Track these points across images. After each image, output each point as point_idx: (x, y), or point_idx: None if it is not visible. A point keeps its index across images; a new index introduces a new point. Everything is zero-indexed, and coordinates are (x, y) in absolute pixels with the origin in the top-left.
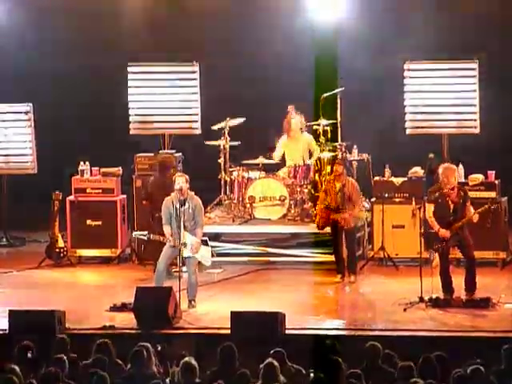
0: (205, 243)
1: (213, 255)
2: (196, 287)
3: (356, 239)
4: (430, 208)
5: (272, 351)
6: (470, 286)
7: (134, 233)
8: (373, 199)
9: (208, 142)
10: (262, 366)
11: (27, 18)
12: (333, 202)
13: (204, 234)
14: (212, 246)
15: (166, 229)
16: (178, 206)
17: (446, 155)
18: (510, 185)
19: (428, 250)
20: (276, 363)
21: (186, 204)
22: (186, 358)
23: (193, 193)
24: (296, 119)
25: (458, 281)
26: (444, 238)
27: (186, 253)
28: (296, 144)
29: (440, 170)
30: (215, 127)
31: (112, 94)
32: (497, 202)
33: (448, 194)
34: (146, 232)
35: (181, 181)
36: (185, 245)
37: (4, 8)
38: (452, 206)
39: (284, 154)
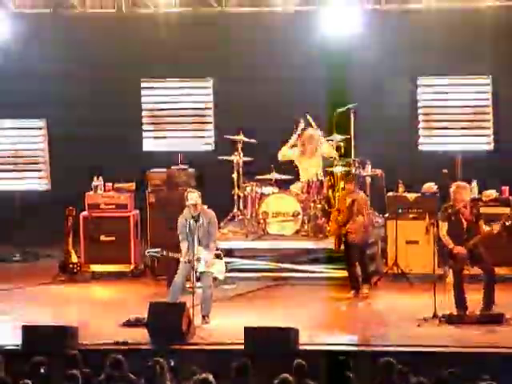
0: (218, 257)
1: (226, 269)
2: (210, 302)
3: (368, 251)
4: (443, 226)
5: (296, 362)
6: (489, 303)
7: (147, 251)
8: (386, 215)
9: (221, 157)
10: (276, 381)
11: (42, 35)
12: (344, 218)
13: (217, 249)
14: (226, 262)
15: (183, 245)
16: (191, 222)
17: (458, 171)
18: None
19: (443, 266)
20: (291, 378)
21: (200, 219)
22: (204, 375)
23: (205, 206)
24: (316, 134)
25: (472, 297)
26: (459, 254)
27: (200, 268)
28: (311, 159)
29: (452, 188)
30: (228, 136)
31: (126, 110)
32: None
33: (461, 212)
34: (159, 249)
35: (194, 196)
36: (198, 260)
37: (18, 23)
38: (465, 224)
39: (296, 166)
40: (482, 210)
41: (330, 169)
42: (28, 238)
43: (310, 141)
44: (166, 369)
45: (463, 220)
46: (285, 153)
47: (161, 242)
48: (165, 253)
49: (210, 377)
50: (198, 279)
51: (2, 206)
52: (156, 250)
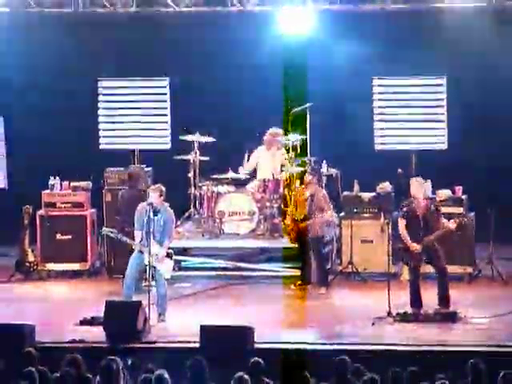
0: (169, 256)
1: (174, 269)
2: (165, 300)
3: (324, 249)
4: (401, 222)
5: (252, 360)
6: (444, 300)
7: (103, 229)
8: (342, 214)
9: (177, 157)
10: (232, 379)
11: (1, 34)
12: (301, 212)
13: (172, 248)
14: (181, 260)
15: (137, 234)
16: (150, 215)
17: (413, 171)
18: (476, 200)
19: (397, 264)
20: (247, 377)
21: (159, 214)
22: (159, 371)
23: (167, 205)
24: (280, 131)
25: (426, 295)
26: (415, 251)
27: (147, 260)
28: (272, 158)
29: (410, 184)
30: (182, 137)
31: (83, 109)
32: (467, 216)
33: (417, 208)
34: (115, 230)
35: (153, 196)
36: (150, 253)
37: None
38: (422, 220)
39: (256, 167)
40: None
41: (286, 168)
42: None
43: (274, 137)
44: (121, 367)
45: (420, 217)
46: (251, 161)
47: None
48: (119, 235)
49: (165, 374)
50: (153, 277)
51: None
52: (112, 229)
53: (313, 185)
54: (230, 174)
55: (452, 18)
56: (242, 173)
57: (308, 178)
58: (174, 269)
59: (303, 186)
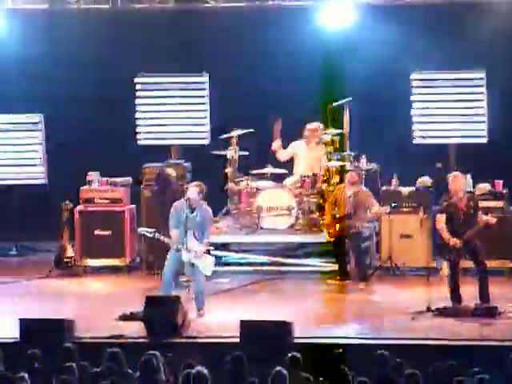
0: (208, 253)
1: (214, 265)
2: (204, 296)
3: (363, 244)
4: (441, 218)
5: (289, 355)
6: (484, 295)
7: (140, 229)
8: (387, 212)
9: (215, 152)
10: (271, 374)
11: (41, 31)
12: (342, 209)
13: (211, 244)
14: (220, 256)
15: (173, 233)
16: (187, 212)
17: (453, 165)
18: None
19: (437, 259)
20: (285, 371)
21: (195, 212)
22: (198, 368)
23: (205, 203)
24: (320, 127)
25: (466, 290)
26: (455, 246)
27: (190, 258)
28: (310, 153)
29: (449, 179)
30: (223, 137)
31: (122, 105)
32: (507, 211)
33: (458, 203)
34: (152, 230)
35: (191, 191)
36: (189, 251)
37: (19, 22)
38: (462, 215)
39: (293, 159)
40: None
41: (325, 163)
42: (24, 233)
43: (314, 132)
44: (161, 362)
45: (460, 211)
46: (287, 151)
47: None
48: (157, 235)
49: (204, 370)
50: (192, 273)
51: None
52: (149, 229)
53: (357, 183)
54: (269, 169)
55: (492, 9)
56: (277, 154)
57: (354, 177)
58: (214, 265)
59: (344, 185)
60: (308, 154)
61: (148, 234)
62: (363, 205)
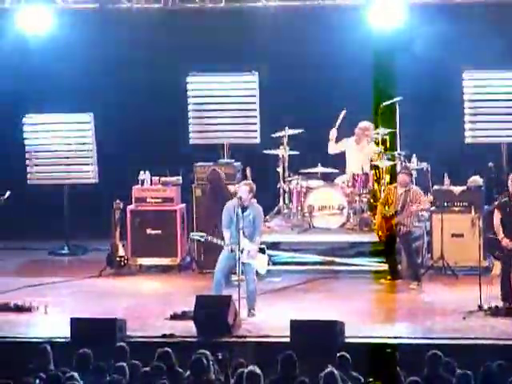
0: (262, 251)
1: (269, 264)
2: (255, 295)
3: (414, 244)
4: (497, 215)
5: (339, 354)
6: None
7: (192, 234)
8: (432, 208)
9: (267, 151)
10: (322, 374)
11: (92, 31)
12: (392, 209)
13: (262, 243)
14: (271, 255)
15: (225, 233)
16: (239, 212)
17: (505, 164)
18: None
19: (489, 258)
20: (336, 372)
21: (247, 211)
22: (251, 367)
23: (255, 201)
24: (371, 126)
25: None
26: (507, 246)
27: (243, 258)
28: (361, 152)
29: (510, 178)
30: (274, 135)
31: (173, 104)
32: None
33: None
34: (203, 234)
35: (243, 190)
36: (242, 251)
37: (70, 21)
38: None
39: (343, 156)
40: None
41: (376, 162)
42: (76, 232)
43: (365, 131)
44: (212, 361)
45: None
46: (338, 145)
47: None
48: (209, 238)
49: (257, 369)
50: (242, 272)
51: (50, 199)
52: (200, 234)
53: (409, 185)
54: (319, 169)
55: None
56: (329, 143)
57: (405, 179)
58: (268, 264)
59: (395, 185)
60: (359, 153)
61: (200, 239)
62: (413, 202)
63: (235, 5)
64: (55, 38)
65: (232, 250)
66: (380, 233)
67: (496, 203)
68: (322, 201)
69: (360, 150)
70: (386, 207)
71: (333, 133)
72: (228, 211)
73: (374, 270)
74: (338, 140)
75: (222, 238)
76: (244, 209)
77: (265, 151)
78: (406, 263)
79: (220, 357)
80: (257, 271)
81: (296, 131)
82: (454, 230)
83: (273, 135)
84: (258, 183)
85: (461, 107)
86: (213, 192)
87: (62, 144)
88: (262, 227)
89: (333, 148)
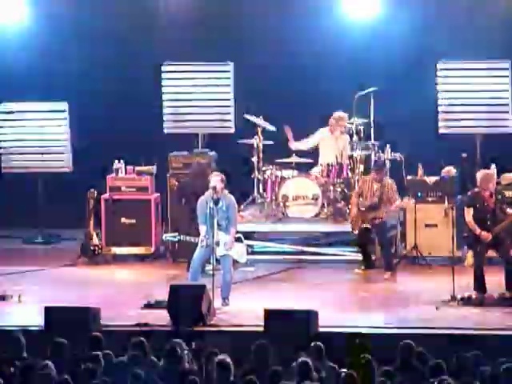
0: (239, 240)
1: (248, 252)
2: (230, 285)
3: (388, 234)
4: (469, 211)
5: (313, 344)
6: (510, 285)
7: (165, 235)
8: (406, 198)
9: (241, 141)
10: (295, 363)
11: (65, 14)
12: (367, 202)
13: (237, 232)
14: (249, 244)
15: (202, 229)
16: (211, 205)
17: (478, 154)
18: None
19: (462, 247)
20: (310, 361)
21: (220, 203)
22: (221, 356)
23: (227, 191)
24: (345, 116)
25: (490, 280)
26: (485, 240)
27: (219, 251)
28: (335, 142)
29: (478, 175)
30: (247, 116)
31: (147, 93)
32: None
33: (485, 198)
34: (176, 234)
35: (215, 180)
36: (218, 244)
37: (42, 8)
38: (491, 210)
39: (318, 147)
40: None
41: (350, 152)
42: (50, 221)
43: (339, 121)
44: (186, 350)
45: (488, 207)
46: (313, 138)
47: (181, 225)
48: (182, 237)
49: (227, 358)
50: (218, 262)
51: (25, 188)
52: (173, 234)
53: (384, 179)
54: (294, 159)
55: None
56: (301, 147)
57: (377, 176)
58: (248, 252)
59: (370, 177)
60: (333, 143)
61: (174, 239)
62: (388, 198)
63: None
64: (27, 25)
65: (207, 245)
66: (355, 224)
67: (465, 200)
68: (296, 190)
69: (334, 140)
70: (361, 199)
71: (293, 145)
72: (201, 206)
73: (348, 259)
74: (309, 133)
75: (197, 234)
76: (217, 201)
77: (239, 141)
78: (380, 253)
79: (194, 346)
80: (236, 260)
81: (270, 128)
82: (428, 220)
83: (245, 116)
84: (232, 173)
85: (435, 97)
86: (194, 184)
87: (36, 133)
88: (237, 217)
89: (308, 144)
